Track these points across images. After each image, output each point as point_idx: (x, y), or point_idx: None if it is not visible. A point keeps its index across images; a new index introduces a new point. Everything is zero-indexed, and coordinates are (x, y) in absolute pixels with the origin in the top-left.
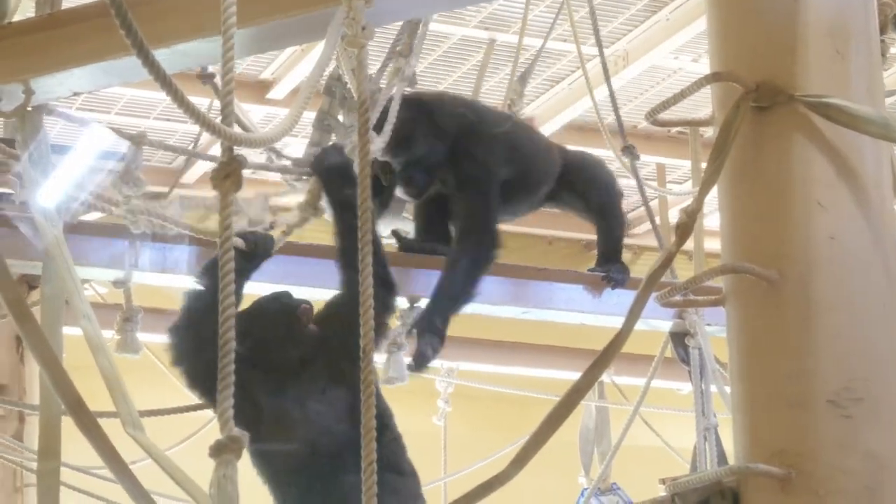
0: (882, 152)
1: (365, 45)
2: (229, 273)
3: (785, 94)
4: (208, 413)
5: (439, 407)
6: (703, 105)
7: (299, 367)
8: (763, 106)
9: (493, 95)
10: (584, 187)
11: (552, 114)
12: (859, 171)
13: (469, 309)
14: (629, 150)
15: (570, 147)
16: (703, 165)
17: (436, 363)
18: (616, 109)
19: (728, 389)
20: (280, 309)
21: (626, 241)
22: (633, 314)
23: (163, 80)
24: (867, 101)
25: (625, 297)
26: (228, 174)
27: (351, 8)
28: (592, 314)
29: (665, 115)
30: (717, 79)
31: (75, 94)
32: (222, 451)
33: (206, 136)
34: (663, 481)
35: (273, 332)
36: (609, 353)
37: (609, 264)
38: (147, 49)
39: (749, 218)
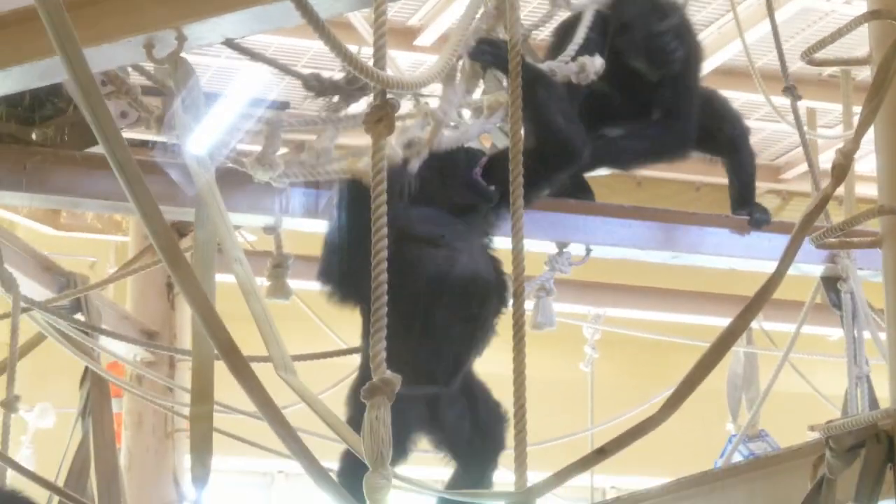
0: None
1: None
2: (382, 216)
3: None
4: (357, 359)
5: (586, 353)
6: (857, 46)
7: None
8: None
9: None
10: (715, 122)
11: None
12: None
13: (617, 253)
14: (790, 91)
15: (721, 91)
16: (856, 109)
17: (583, 309)
18: (779, 47)
19: (881, 335)
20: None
21: (775, 186)
22: (787, 257)
23: (316, 23)
24: None
25: (775, 240)
26: (381, 118)
27: None
28: (742, 258)
29: (820, 56)
30: (875, 17)
31: (227, 39)
32: (375, 392)
33: None
34: (812, 428)
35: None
36: (761, 298)
37: (748, 206)
38: None
39: None
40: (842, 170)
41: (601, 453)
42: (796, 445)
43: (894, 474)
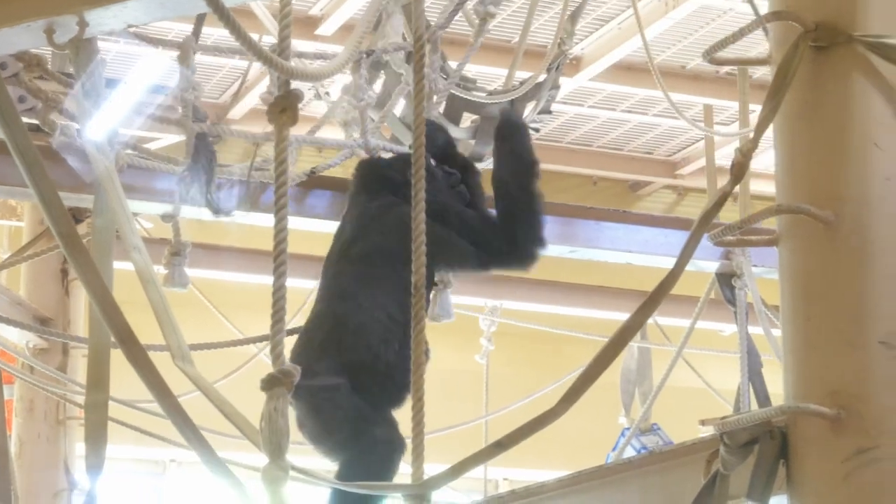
0: None
1: None
2: (284, 206)
3: (844, 34)
4: (252, 348)
5: (482, 345)
6: (754, 45)
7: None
8: (822, 46)
9: (542, 34)
10: None
11: (600, 54)
12: None
13: None
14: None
15: (619, 87)
16: (752, 106)
17: (480, 301)
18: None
19: (774, 332)
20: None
21: (672, 181)
22: (686, 254)
23: (221, 12)
24: None
25: (671, 236)
26: (285, 108)
27: None
28: (638, 254)
29: (721, 55)
30: (776, 17)
31: (130, 26)
32: (274, 384)
33: (252, 73)
34: (703, 422)
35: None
36: (660, 293)
37: None
38: None
39: (805, 159)
40: (741, 168)
41: (499, 446)
42: (691, 441)
43: (786, 470)
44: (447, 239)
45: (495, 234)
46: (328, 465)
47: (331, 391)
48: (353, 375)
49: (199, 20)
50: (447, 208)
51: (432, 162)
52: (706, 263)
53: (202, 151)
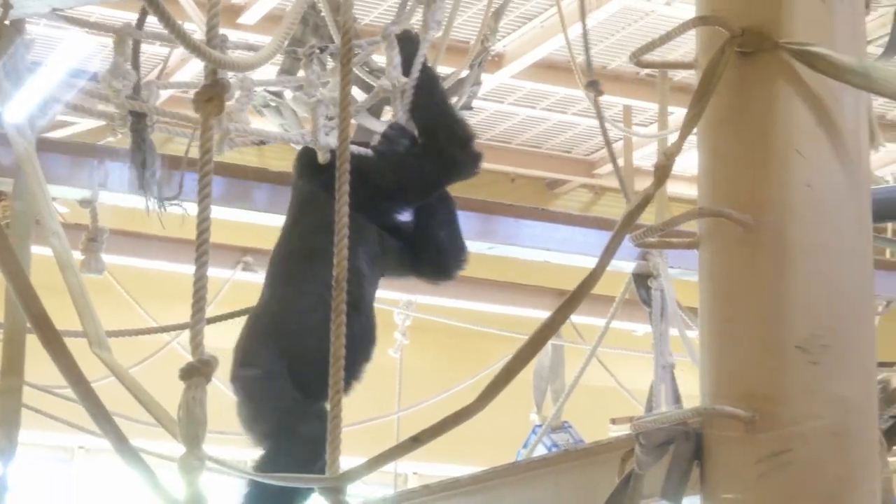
0: (861, 102)
1: None
2: (208, 196)
3: (770, 40)
4: (165, 337)
5: (396, 339)
6: (676, 48)
7: None
8: (747, 52)
9: (464, 30)
10: None
11: (523, 51)
12: (838, 120)
13: None
14: (594, 85)
15: (539, 85)
16: (671, 108)
17: (394, 295)
18: (587, 46)
19: (689, 332)
20: None
21: (589, 181)
22: (608, 254)
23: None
24: (850, 50)
25: (589, 235)
26: (212, 97)
27: None
28: (556, 252)
29: (648, 58)
30: (703, 22)
31: (54, 10)
32: (193, 374)
33: (173, 60)
34: (614, 421)
35: None
36: (581, 293)
37: None
38: None
39: (727, 163)
40: (664, 170)
41: (416, 441)
42: (606, 440)
43: (700, 471)
44: (400, 167)
45: (425, 156)
46: (246, 457)
47: (266, 379)
48: (292, 362)
49: (144, 11)
50: (385, 153)
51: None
52: (623, 263)
53: (142, 136)
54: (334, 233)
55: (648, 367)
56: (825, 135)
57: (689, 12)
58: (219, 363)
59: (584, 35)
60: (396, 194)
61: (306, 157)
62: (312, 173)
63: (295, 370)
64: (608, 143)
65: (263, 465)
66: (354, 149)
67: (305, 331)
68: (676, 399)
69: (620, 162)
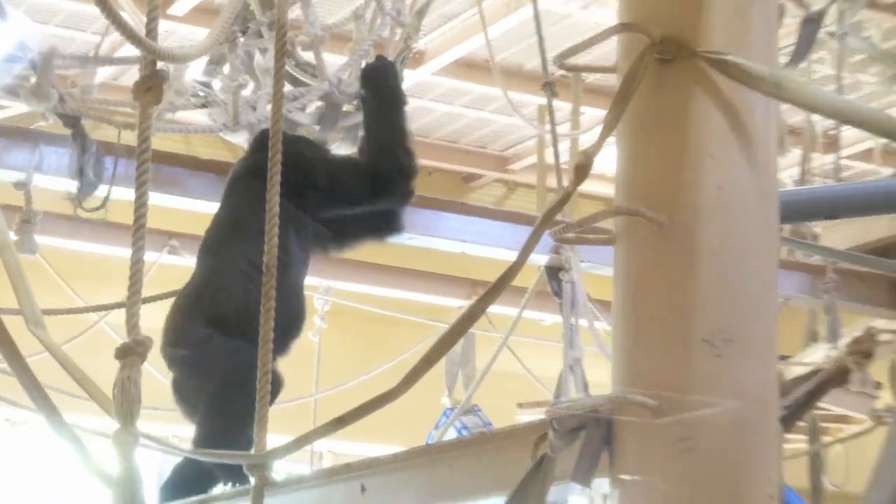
0: (771, 109)
1: None
2: (145, 183)
3: (688, 48)
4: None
5: (315, 323)
6: (590, 51)
7: None
8: (666, 58)
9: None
10: None
11: (443, 49)
12: (749, 126)
13: None
14: (549, 87)
15: (458, 83)
16: (583, 108)
17: (314, 281)
18: (543, 49)
19: (597, 324)
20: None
21: (503, 176)
22: (528, 248)
23: None
24: (763, 60)
25: (505, 228)
26: (150, 87)
27: None
28: (472, 243)
29: (571, 61)
30: (625, 29)
31: None
32: (128, 353)
33: (104, 48)
34: (521, 405)
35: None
36: (502, 284)
37: None
38: None
39: (644, 164)
40: (583, 170)
41: (341, 421)
42: (521, 424)
43: (610, 456)
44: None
45: (364, 171)
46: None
47: (195, 351)
48: (220, 329)
49: None
50: (324, 156)
51: None
52: (537, 256)
53: (77, 129)
54: (265, 211)
55: (554, 354)
56: (737, 140)
57: (604, 16)
58: (153, 343)
59: (541, 42)
60: (324, 196)
61: (260, 138)
62: (252, 149)
63: (225, 334)
64: (556, 142)
65: (194, 441)
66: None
67: (230, 294)
68: (585, 387)
69: (533, 159)
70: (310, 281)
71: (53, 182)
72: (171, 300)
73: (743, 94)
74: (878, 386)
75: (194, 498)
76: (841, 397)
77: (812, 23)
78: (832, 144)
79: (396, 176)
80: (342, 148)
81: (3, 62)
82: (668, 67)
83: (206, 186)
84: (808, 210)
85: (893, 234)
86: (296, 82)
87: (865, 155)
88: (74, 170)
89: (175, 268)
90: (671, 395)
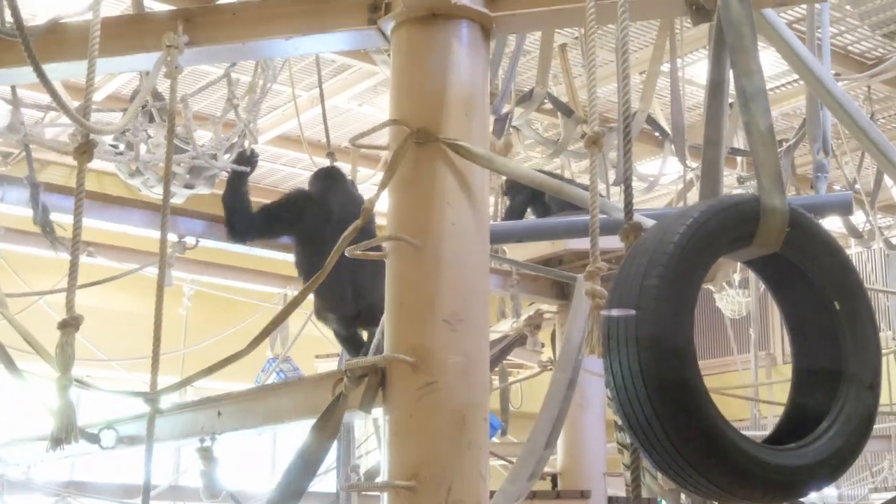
0: (485, 175)
1: (176, 77)
2: (80, 214)
3: (433, 136)
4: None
5: (184, 303)
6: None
7: None
8: (420, 142)
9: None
10: None
11: (269, 127)
12: (472, 185)
13: (212, 243)
14: (331, 154)
15: (280, 149)
16: (361, 169)
17: (182, 275)
18: (326, 130)
19: None
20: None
21: None
22: (332, 259)
23: (48, 86)
24: (480, 144)
25: None
26: (85, 151)
27: (169, 54)
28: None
29: (361, 141)
30: (394, 123)
31: None
32: (67, 325)
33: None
34: (318, 356)
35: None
36: (315, 282)
37: None
38: (40, 65)
39: (405, 208)
40: (367, 211)
41: (210, 369)
42: (325, 372)
43: (383, 393)
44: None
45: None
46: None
47: None
48: None
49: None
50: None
51: None
52: None
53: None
54: None
55: None
56: (464, 193)
57: (373, 111)
58: (83, 319)
59: (325, 126)
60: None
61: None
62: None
63: None
64: None
65: None
66: None
67: None
68: (381, 349)
69: None
70: (180, 275)
71: (13, 209)
72: (92, 288)
73: (467, 166)
74: (542, 346)
75: (103, 421)
76: (520, 352)
77: (501, 120)
78: None
79: (229, 226)
80: (202, 189)
81: None
82: (421, 148)
83: (116, 213)
84: (504, 237)
85: (552, 251)
86: (180, 151)
87: None
88: (27, 201)
89: (92, 266)
90: (423, 355)
